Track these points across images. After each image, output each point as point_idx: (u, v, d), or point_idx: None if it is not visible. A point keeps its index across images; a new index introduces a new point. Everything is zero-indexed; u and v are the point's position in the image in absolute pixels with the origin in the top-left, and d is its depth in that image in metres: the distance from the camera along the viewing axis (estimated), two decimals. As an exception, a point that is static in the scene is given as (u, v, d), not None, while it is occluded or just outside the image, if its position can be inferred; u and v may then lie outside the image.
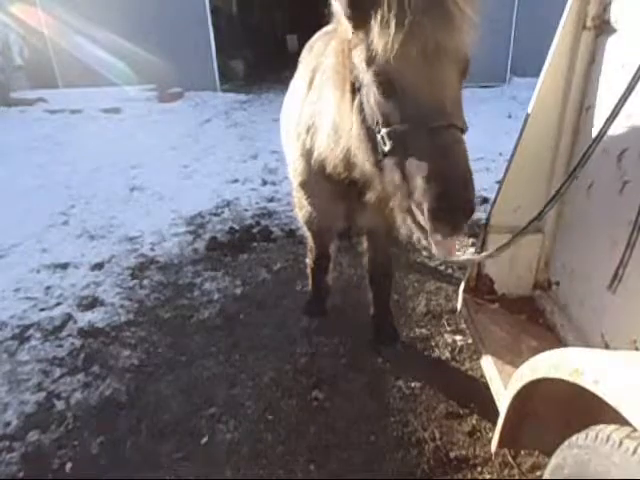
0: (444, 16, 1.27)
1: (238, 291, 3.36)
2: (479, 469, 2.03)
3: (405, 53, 1.28)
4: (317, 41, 2.30)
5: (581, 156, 1.47)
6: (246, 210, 4.74)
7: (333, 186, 1.95)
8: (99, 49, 10.48)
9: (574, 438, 1.13)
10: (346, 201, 2.04)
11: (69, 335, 2.93)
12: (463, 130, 1.33)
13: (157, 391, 2.50)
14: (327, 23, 1.72)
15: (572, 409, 1.32)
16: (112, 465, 2.11)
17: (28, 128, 8.00)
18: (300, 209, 2.44)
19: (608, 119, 1.41)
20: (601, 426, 1.06)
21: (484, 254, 1.75)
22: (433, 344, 2.79)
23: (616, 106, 1.38)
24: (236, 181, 5.59)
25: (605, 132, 1.43)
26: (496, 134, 6.46)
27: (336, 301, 3.13)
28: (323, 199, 2.18)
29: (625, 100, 1.34)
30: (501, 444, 1.60)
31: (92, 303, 3.24)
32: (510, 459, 2.05)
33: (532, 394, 1.41)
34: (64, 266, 3.73)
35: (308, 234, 2.69)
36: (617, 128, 1.75)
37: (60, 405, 2.41)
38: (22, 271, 3.65)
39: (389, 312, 2.80)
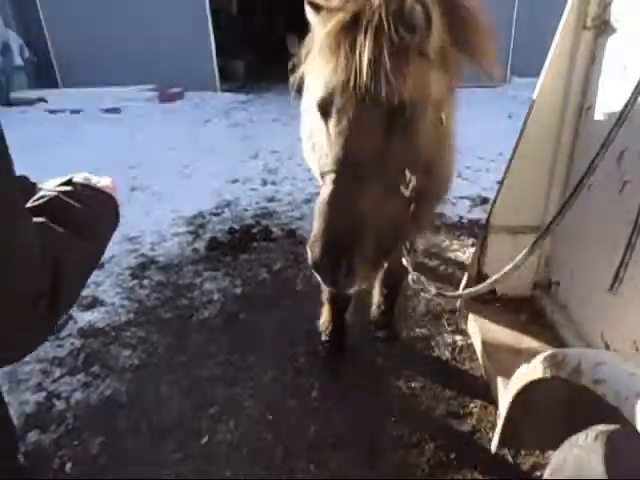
0: (364, 61, 1.19)
1: (238, 291, 3.36)
2: (479, 469, 2.03)
3: (328, 88, 1.27)
4: None
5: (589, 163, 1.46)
6: (246, 210, 4.74)
7: None
8: (99, 49, 10.48)
9: (574, 438, 1.13)
10: None
11: (69, 335, 2.93)
12: (375, 181, 1.22)
13: (157, 391, 2.50)
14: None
15: (572, 409, 1.32)
16: (112, 465, 2.11)
17: (28, 128, 8.00)
18: None
19: (615, 125, 1.41)
20: (601, 426, 1.06)
21: (474, 289, 1.69)
22: (433, 344, 2.79)
23: (622, 113, 1.38)
24: (236, 181, 5.59)
25: (612, 138, 1.42)
26: (496, 134, 6.46)
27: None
28: None
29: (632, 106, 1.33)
30: (501, 444, 1.60)
31: (92, 303, 3.24)
32: (510, 459, 2.05)
33: (532, 394, 1.41)
34: (64, 266, 3.72)
35: None
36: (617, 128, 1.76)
37: (60, 405, 2.41)
38: (22, 271, 3.64)
39: (392, 313, 2.80)
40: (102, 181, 1.17)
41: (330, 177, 1.24)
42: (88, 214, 1.02)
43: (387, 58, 1.18)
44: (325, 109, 1.32)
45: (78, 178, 1.11)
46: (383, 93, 1.19)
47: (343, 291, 1.29)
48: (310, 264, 1.23)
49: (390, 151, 1.25)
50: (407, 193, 1.30)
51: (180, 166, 6.09)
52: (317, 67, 1.32)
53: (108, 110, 9.19)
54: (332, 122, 1.28)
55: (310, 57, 1.39)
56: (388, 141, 1.25)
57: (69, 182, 1.06)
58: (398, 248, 1.44)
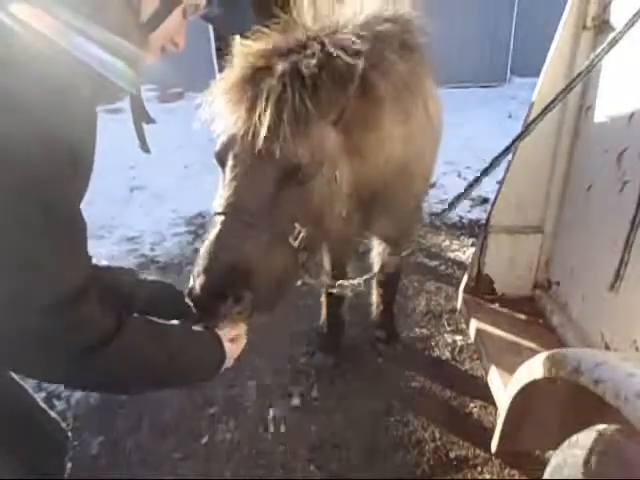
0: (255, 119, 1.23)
1: (238, 291, 3.35)
2: (479, 469, 2.03)
3: (228, 136, 1.37)
4: None
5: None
6: (246, 210, 4.74)
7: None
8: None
9: (574, 438, 1.13)
10: (361, 210, 2.00)
11: (69, 335, 2.93)
12: (258, 226, 1.25)
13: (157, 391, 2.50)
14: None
15: (572, 409, 1.32)
16: (112, 465, 2.11)
17: (28, 128, 7.98)
18: None
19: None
20: (601, 426, 1.06)
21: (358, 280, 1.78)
22: (433, 344, 2.79)
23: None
24: (236, 181, 5.58)
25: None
26: (496, 134, 6.45)
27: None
28: None
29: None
30: (501, 444, 1.60)
31: (92, 303, 3.24)
32: (510, 459, 2.05)
33: (532, 394, 1.41)
34: (64, 266, 3.72)
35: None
36: (617, 128, 1.76)
37: (60, 405, 2.41)
38: (22, 271, 3.64)
39: (391, 313, 2.80)
40: (232, 332, 1.38)
41: (219, 218, 1.28)
42: (187, 341, 1.14)
43: (286, 124, 1.22)
44: (222, 156, 1.39)
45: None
46: (278, 155, 1.24)
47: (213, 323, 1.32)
48: (187, 296, 1.25)
49: (280, 204, 1.30)
50: (295, 244, 1.33)
51: (180, 166, 6.09)
52: (219, 112, 1.40)
53: (108, 110, 9.20)
54: (228, 167, 1.34)
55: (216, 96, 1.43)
56: (278, 195, 1.29)
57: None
58: (283, 293, 1.46)
